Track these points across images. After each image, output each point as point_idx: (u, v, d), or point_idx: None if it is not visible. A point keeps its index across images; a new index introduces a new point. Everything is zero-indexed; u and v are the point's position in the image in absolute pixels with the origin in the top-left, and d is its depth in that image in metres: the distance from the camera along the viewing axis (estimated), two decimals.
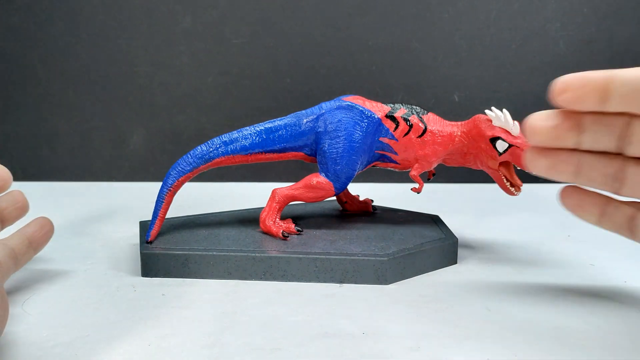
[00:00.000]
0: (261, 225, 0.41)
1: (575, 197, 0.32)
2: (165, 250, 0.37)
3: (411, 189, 0.43)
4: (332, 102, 0.41)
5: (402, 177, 0.69)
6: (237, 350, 0.28)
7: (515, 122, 0.38)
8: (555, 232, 0.48)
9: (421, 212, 0.48)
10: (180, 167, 0.40)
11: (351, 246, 0.38)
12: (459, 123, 0.41)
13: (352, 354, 0.28)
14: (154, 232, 0.39)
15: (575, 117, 0.30)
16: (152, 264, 0.37)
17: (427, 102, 0.68)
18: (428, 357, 0.27)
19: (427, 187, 0.66)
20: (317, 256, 0.36)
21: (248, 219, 0.45)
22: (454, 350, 0.28)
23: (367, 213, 0.47)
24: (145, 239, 0.39)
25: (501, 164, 0.39)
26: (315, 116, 0.41)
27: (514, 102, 0.68)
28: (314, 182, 0.40)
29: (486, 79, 0.68)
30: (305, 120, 0.41)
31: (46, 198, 0.60)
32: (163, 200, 0.40)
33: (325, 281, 0.37)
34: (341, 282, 0.37)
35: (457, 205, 0.58)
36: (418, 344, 0.29)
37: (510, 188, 0.40)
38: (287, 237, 0.40)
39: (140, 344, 0.28)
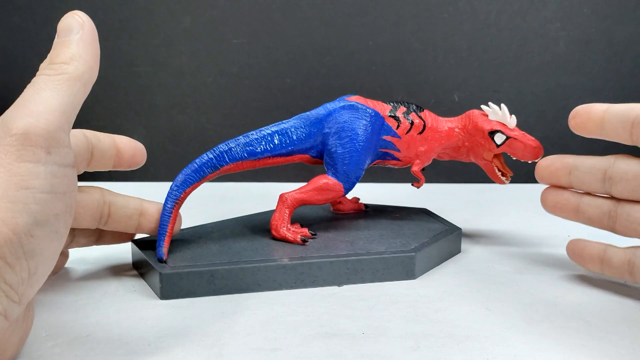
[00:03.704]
0: (274, 232, 0.39)
1: (577, 249, 0.36)
2: (187, 268, 0.34)
3: (412, 184, 0.44)
4: (336, 102, 0.41)
5: (386, 176, 0.69)
6: (237, 350, 0.28)
7: (513, 116, 0.41)
8: (556, 232, 0.48)
9: (410, 207, 0.48)
10: (187, 177, 0.37)
11: (373, 245, 0.38)
12: (453, 119, 0.43)
13: (352, 354, 0.28)
14: (165, 249, 0.35)
15: (566, 160, 0.36)
16: (174, 284, 0.33)
17: (427, 102, 0.68)
18: (428, 357, 0.27)
19: (426, 187, 0.66)
20: (347, 258, 0.36)
21: (253, 226, 0.43)
22: (454, 350, 0.28)
23: (360, 212, 0.47)
24: (158, 258, 0.35)
25: (494, 155, 0.42)
26: (321, 117, 0.40)
27: (514, 102, 0.68)
28: (324, 183, 0.39)
29: (486, 79, 0.68)
30: (311, 122, 0.40)
31: None
32: (170, 214, 0.36)
33: (355, 282, 0.36)
34: (371, 281, 0.37)
35: (454, 205, 0.58)
36: (418, 344, 0.29)
37: (502, 177, 0.43)
38: (307, 242, 0.38)
39: (140, 344, 0.28)
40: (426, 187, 0.61)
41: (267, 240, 0.39)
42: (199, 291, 0.34)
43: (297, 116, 0.41)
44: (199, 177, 0.37)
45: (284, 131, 0.40)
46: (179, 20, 0.67)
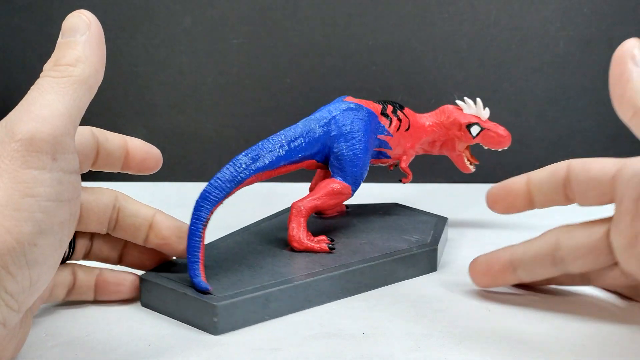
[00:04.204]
0: (295, 244, 0.37)
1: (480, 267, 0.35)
2: (239, 296, 0.30)
3: (401, 180, 0.45)
4: (336, 104, 0.41)
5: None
6: (237, 350, 0.28)
7: (487, 108, 0.45)
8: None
9: (383, 203, 0.49)
10: (212, 196, 0.34)
11: (391, 244, 0.39)
12: (429, 115, 0.46)
13: (352, 354, 0.28)
14: (203, 277, 0.31)
15: (502, 259, 0.33)
16: (230, 316, 0.30)
17: (427, 102, 0.68)
18: (428, 357, 0.27)
19: (424, 187, 0.66)
20: (385, 259, 0.36)
21: (263, 238, 0.40)
22: (454, 350, 0.28)
23: (344, 214, 0.46)
24: (202, 289, 0.30)
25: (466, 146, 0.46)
26: (327, 120, 0.39)
27: (514, 102, 0.68)
28: (335, 188, 0.39)
29: (486, 79, 0.68)
30: (318, 125, 0.39)
31: None
32: (200, 237, 0.32)
33: (391, 283, 0.37)
34: (404, 279, 0.37)
35: (452, 205, 0.58)
36: (418, 344, 0.29)
37: (470, 166, 0.47)
38: (334, 249, 0.37)
39: (140, 343, 0.28)
40: (445, 187, 0.61)
41: (290, 253, 0.37)
42: (253, 319, 0.31)
43: (302, 121, 0.39)
44: (223, 195, 0.34)
45: (295, 137, 0.38)
46: (179, 20, 0.67)
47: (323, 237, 0.38)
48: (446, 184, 0.67)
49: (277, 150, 0.37)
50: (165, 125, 0.69)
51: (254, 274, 0.33)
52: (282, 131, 0.38)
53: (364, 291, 0.35)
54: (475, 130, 0.44)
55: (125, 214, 0.31)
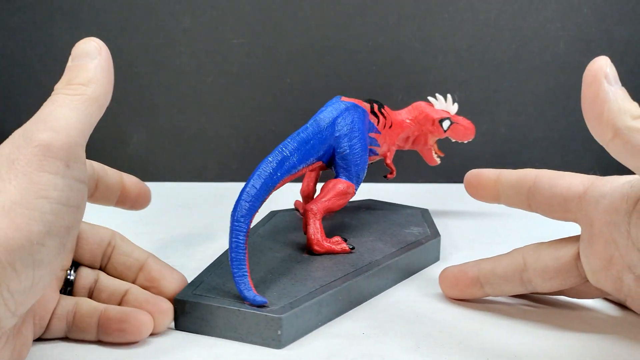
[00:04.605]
0: (317, 247, 0.37)
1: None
2: (297, 305, 0.29)
3: (385, 177, 0.47)
4: (337, 104, 0.40)
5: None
6: (237, 350, 0.28)
7: (455, 103, 0.48)
8: (556, 233, 0.48)
9: (358, 200, 0.51)
10: (251, 205, 0.32)
11: (399, 238, 0.40)
12: (403, 111, 0.47)
13: (352, 354, 0.28)
14: (255, 291, 0.29)
15: (470, 274, 0.33)
16: (292, 327, 0.29)
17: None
18: (428, 357, 0.27)
19: (422, 186, 0.66)
20: (405, 253, 0.37)
21: (277, 242, 0.39)
22: (454, 350, 0.28)
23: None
24: (259, 303, 0.29)
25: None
26: (331, 120, 0.39)
27: (513, 102, 0.68)
28: (343, 188, 0.38)
29: (486, 79, 0.68)
30: (324, 127, 0.38)
31: None
32: (245, 249, 0.31)
33: (408, 276, 0.38)
34: (420, 270, 0.39)
35: (449, 205, 0.58)
36: (418, 344, 0.29)
37: (437, 159, 0.49)
38: (354, 248, 0.38)
39: (140, 343, 0.28)
40: (443, 187, 0.61)
41: (310, 256, 0.37)
42: (309, 327, 0.30)
43: (311, 122, 0.38)
44: (259, 203, 0.33)
45: (308, 138, 0.37)
46: (179, 20, 0.67)
47: (338, 238, 0.38)
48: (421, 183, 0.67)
49: (296, 153, 0.36)
50: (165, 125, 0.69)
51: (294, 282, 0.32)
52: (294, 134, 0.37)
53: (391, 286, 0.36)
54: (446, 124, 0.47)
55: (119, 252, 0.32)
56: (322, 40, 0.67)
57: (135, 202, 0.34)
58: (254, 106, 0.69)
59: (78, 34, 0.73)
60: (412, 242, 0.39)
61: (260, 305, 0.29)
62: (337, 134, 0.39)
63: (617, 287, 0.29)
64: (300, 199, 0.46)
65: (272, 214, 0.45)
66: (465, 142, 0.49)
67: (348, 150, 0.39)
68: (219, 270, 0.33)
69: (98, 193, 0.32)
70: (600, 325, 0.31)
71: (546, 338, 0.29)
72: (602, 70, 0.26)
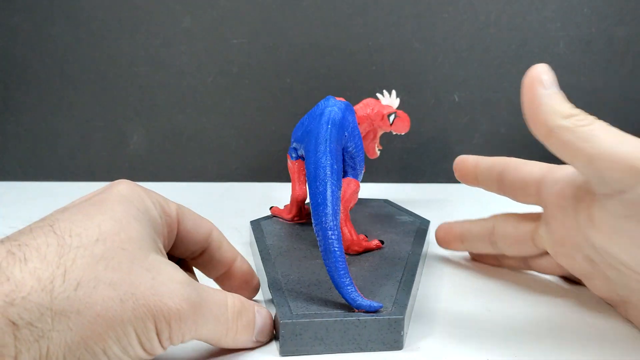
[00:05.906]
0: (356, 248, 0.37)
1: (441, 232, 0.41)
2: (402, 304, 0.29)
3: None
4: (337, 103, 0.39)
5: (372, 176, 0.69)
6: (237, 350, 0.28)
7: (398, 98, 0.50)
8: None
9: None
10: (335, 220, 0.31)
11: (404, 235, 0.41)
12: (357, 107, 0.48)
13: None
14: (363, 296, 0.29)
15: (455, 230, 0.40)
16: (407, 326, 0.29)
17: (427, 102, 0.68)
18: (428, 357, 0.27)
19: (422, 186, 0.66)
20: (421, 248, 0.39)
21: (307, 250, 0.38)
22: (454, 350, 0.28)
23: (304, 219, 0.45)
24: (375, 308, 0.28)
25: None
26: (340, 121, 0.37)
27: (513, 102, 0.68)
28: (355, 187, 0.39)
29: (486, 79, 0.68)
30: (340, 128, 0.37)
31: (46, 198, 0.60)
32: (344, 257, 0.30)
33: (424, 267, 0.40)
34: (427, 265, 0.40)
35: (449, 205, 0.58)
36: (418, 344, 0.29)
37: (378, 152, 0.51)
38: (384, 243, 0.38)
39: None
40: (440, 187, 0.61)
41: (351, 257, 0.36)
42: (408, 325, 0.30)
43: (331, 127, 0.36)
44: (338, 213, 0.32)
45: (328, 141, 0.35)
46: (179, 20, 0.67)
47: (364, 236, 0.38)
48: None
49: (331, 161, 0.34)
50: (165, 125, 0.69)
51: (373, 282, 0.32)
52: (322, 138, 0.35)
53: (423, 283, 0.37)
54: (392, 118, 0.48)
55: (214, 248, 0.30)
56: (322, 40, 0.67)
57: (238, 288, 0.32)
58: (254, 106, 0.69)
59: (78, 34, 0.74)
60: (419, 232, 0.41)
61: (377, 310, 0.28)
62: (345, 134, 0.38)
63: (571, 265, 0.32)
64: (279, 206, 0.46)
65: (256, 224, 0.43)
66: (403, 133, 0.50)
67: (354, 149, 0.39)
68: (288, 288, 0.31)
69: (202, 259, 0.30)
70: (601, 325, 0.31)
71: (548, 339, 0.29)
72: (538, 77, 0.29)
